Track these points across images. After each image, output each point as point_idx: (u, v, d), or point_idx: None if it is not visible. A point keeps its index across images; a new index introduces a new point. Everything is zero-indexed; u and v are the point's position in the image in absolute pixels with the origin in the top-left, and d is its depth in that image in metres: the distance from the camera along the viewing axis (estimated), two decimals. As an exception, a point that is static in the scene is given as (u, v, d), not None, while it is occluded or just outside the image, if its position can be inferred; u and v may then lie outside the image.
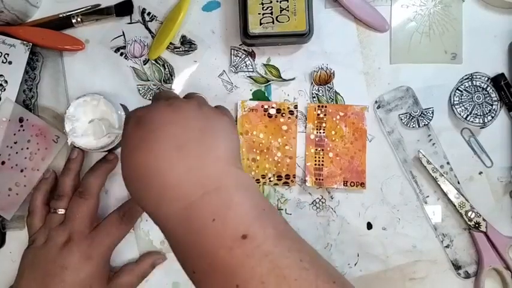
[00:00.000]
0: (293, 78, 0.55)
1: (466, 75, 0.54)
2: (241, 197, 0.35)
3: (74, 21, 0.54)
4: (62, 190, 0.51)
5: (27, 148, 0.53)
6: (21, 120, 0.53)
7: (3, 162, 0.53)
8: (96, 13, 0.54)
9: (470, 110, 0.53)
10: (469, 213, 0.53)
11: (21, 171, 0.53)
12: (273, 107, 0.54)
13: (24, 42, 0.53)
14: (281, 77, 0.55)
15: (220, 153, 0.37)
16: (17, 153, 0.53)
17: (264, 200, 0.37)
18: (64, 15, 0.54)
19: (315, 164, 0.54)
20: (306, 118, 0.55)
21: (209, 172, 0.36)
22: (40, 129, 0.53)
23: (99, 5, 0.55)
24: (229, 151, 0.38)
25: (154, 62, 0.55)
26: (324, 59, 0.55)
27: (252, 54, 0.55)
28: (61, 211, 0.49)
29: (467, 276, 0.54)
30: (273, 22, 0.51)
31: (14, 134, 0.53)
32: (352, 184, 0.54)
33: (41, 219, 0.50)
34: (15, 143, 0.53)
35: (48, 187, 0.52)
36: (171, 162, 0.35)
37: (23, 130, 0.53)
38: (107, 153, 0.54)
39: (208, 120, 0.38)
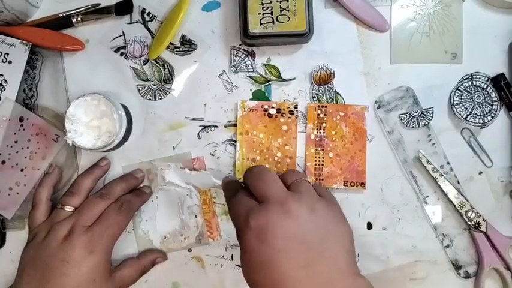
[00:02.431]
0: (293, 78, 0.55)
1: (466, 75, 0.54)
2: None
3: (73, 20, 0.54)
4: (78, 189, 0.51)
5: (28, 147, 0.53)
6: (21, 119, 0.53)
7: (3, 162, 0.53)
8: (96, 12, 0.55)
9: (470, 110, 0.53)
10: (469, 213, 0.53)
11: (22, 170, 0.53)
12: (273, 107, 0.54)
13: (24, 41, 0.53)
14: (281, 77, 0.55)
15: (343, 264, 0.38)
16: (17, 152, 0.53)
17: None
18: (64, 14, 0.55)
19: (315, 164, 0.54)
20: (306, 118, 0.55)
21: None
22: (40, 128, 0.53)
23: (98, 4, 0.55)
24: (349, 256, 0.39)
25: (154, 62, 0.55)
26: (324, 59, 0.55)
27: (252, 54, 0.55)
28: (69, 208, 0.49)
29: (467, 276, 0.54)
30: (273, 22, 0.51)
31: (14, 134, 0.53)
32: (352, 184, 0.54)
33: (44, 214, 0.50)
34: (15, 142, 0.53)
35: (52, 182, 0.52)
36: (299, 282, 0.36)
37: (23, 129, 0.53)
38: (106, 153, 0.54)
39: (324, 227, 0.39)
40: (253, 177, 0.44)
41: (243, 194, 0.44)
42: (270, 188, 0.42)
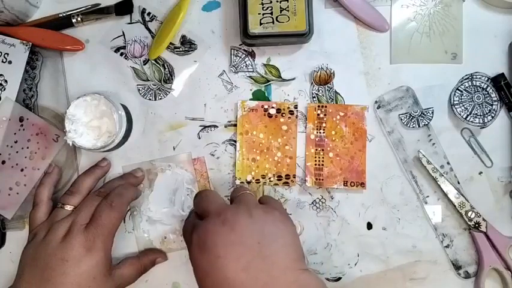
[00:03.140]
0: (293, 78, 0.55)
1: (466, 75, 0.54)
2: None
3: (74, 20, 0.54)
4: (78, 188, 0.51)
5: (28, 147, 0.53)
6: (21, 119, 0.53)
7: (3, 162, 0.53)
8: (96, 12, 0.55)
9: (470, 110, 0.53)
10: (469, 213, 0.53)
11: (22, 170, 0.53)
12: (273, 107, 0.54)
13: (24, 41, 0.53)
14: (281, 77, 0.55)
15: (286, 262, 0.40)
16: (17, 152, 0.53)
17: None
18: (64, 15, 0.55)
19: (315, 164, 0.54)
20: (306, 118, 0.55)
21: (279, 287, 0.38)
22: (40, 128, 0.53)
23: (98, 4, 0.55)
24: (292, 254, 0.41)
25: (154, 62, 0.55)
26: (324, 59, 0.55)
27: (252, 54, 0.55)
28: (68, 207, 0.49)
29: (467, 276, 0.54)
30: (273, 22, 0.51)
31: (14, 134, 0.53)
32: (352, 184, 0.54)
33: (45, 213, 0.50)
34: (15, 142, 0.53)
35: (53, 181, 0.52)
36: (242, 284, 0.38)
37: (23, 129, 0.53)
38: (106, 153, 0.54)
39: (262, 229, 0.41)
40: (197, 198, 0.46)
41: (192, 215, 0.47)
42: (210, 204, 0.44)
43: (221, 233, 0.40)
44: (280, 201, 0.50)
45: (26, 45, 0.53)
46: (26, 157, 0.53)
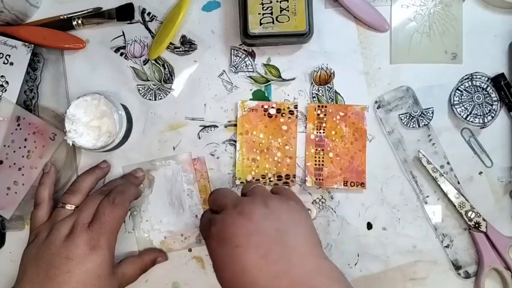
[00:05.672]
0: (293, 78, 0.55)
1: (466, 75, 0.54)
2: None
3: (74, 23, 0.54)
4: (79, 187, 0.51)
5: (25, 146, 0.53)
6: (18, 119, 0.53)
7: (1, 162, 0.53)
8: (97, 16, 0.54)
9: (470, 110, 0.53)
10: (469, 213, 0.53)
11: (19, 169, 0.53)
12: (273, 107, 0.54)
13: (26, 43, 0.53)
14: (281, 77, 0.55)
15: (304, 249, 0.40)
16: (14, 152, 0.53)
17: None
18: (65, 17, 0.55)
19: (315, 164, 0.54)
20: (306, 118, 0.55)
21: (298, 274, 0.38)
22: (37, 127, 0.53)
23: (100, 8, 0.55)
24: (310, 241, 0.41)
25: (154, 62, 0.55)
26: (324, 59, 0.55)
27: (252, 54, 0.55)
28: (70, 207, 0.49)
29: (467, 276, 0.54)
30: (273, 22, 0.51)
31: (12, 133, 0.53)
32: (352, 184, 0.54)
33: (47, 213, 0.50)
34: (12, 141, 0.53)
35: (52, 180, 0.52)
36: (260, 271, 0.38)
37: (20, 129, 0.53)
38: (106, 153, 0.54)
39: (279, 218, 0.41)
40: (212, 196, 0.47)
41: (207, 212, 0.47)
42: (225, 199, 0.44)
43: (239, 223, 0.41)
44: (292, 191, 0.50)
45: (28, 47, 0.53)
46: (23, 156, 0.53)
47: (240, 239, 0.40)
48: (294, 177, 0.54)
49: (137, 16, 0.55)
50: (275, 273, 0.38)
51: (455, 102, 0.53)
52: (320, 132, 0.54)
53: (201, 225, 0.47)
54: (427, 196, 0.54)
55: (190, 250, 0.55)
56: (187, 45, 0.55)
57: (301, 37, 0.52)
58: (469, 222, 0.53)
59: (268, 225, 0.40)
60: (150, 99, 0.55)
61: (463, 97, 0.54)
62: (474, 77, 0.54)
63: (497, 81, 0.53)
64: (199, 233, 0.55)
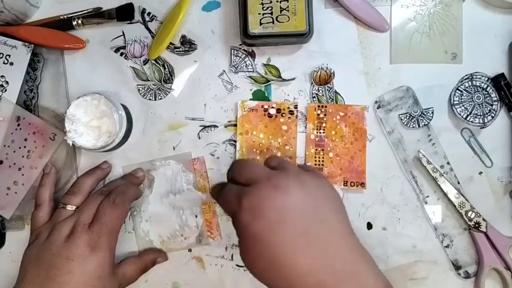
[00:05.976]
0: (293, 78, 0.55)
1: (466, 75, 0.54)
2: (374, 278, 0.37)
3: (74, 23, 0.54)
4: (79, 188, 0.51)
5: (25, 146, 0.53)
6: (18, 119, 0.53)
7: (1, 162, 0.53)
8: (97, 17, 0.54)
9: (470, 110, 0.53)
10: (469, 213, 0.53)
11: (19, 169, 0.53)
12: (273, 107, 0.54)
13: (26, 43, 0.53)
14: (281, 77, 0.55)
15: (341, 227, 0.39)
16: (14, 152, 0.53)
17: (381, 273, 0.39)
18: (65, 17, 0.55)
19: (315, 164, 0.54)
20: (306, 118, 0.55)
21: (338, 256, 0.37)
22: (37, 127, 0.53)
23: (100, 8, 0.55)
24: (345, 219, 0.40)
25: (154, 62, 0.55)
26: (324, 59, 0.55)
27: (252, 54, 0.55)
28: (70, 207, 0.49)
29: (467, 276, 0.54)
30: (273, 22, 0.51)
31: (12, 133, 0.53)
32: (352, 184, 0.54)
33: (48, 214, 0.50)
34: (12, 141, 0.53)
35: (52, 181, 0.52)
36: (300, 250, 0.36)
37: (20, 129, 0.53)
38: (106, 153, 0.54)
39: (315, 194, 0.40)
40: (236, 167, 0.44)
41: (231, 184, 0.44)
42: (255, 171, 0.42)
43: (275, 197, 0.38)
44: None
45: (28, 47, 0.53)
46: (23, 156, 0.53)
47: (277, 213, 0.37)
48: (294, 177, 0.54)
49: (137, 16, 0.55)
50: (315, 253, 0.36)
51: (455, 102, 0.53)
52: (320, 132, 0.54)
53: (226, 199, 0.42)
54: (427, 196, 0.54)
55: (190, 250, 0.55)
56: (187, 45, 0.55)
57: (301, 37, 0.52)
58: (469, 222, 0.53)
59: (304, 200, 0.39)
60: (150, 99, 0.55)
61: (463, 97, 0.54)
62: (474, 77, 0.54)
63: (497, 81, 0.53)
64: (199, 233, 0.55)
